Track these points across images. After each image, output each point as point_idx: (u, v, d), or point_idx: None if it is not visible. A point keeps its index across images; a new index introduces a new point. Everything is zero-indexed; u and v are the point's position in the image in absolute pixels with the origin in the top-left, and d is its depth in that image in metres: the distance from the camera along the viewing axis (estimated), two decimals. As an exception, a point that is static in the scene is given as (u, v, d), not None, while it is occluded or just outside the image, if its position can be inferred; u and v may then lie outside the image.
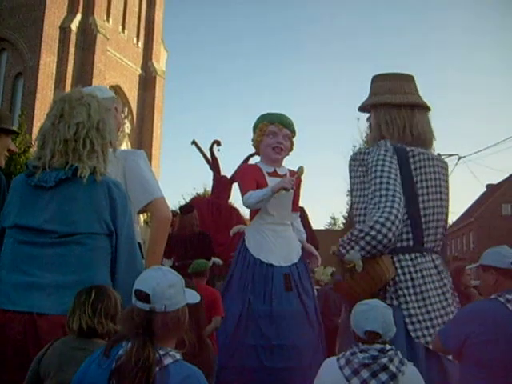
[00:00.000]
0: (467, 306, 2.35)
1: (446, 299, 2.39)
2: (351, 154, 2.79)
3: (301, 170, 3.93)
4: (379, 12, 75.70)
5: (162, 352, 1.65)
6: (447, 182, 2.59)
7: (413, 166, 2.47)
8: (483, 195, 44.39)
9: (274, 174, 4.08)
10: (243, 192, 3.93)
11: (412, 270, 2.40)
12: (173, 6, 47.39)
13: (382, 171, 2.40)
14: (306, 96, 79.75)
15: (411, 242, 2.42)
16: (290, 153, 4.27)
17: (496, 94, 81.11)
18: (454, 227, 40.52)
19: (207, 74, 76.04)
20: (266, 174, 4.06)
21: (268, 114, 4.21)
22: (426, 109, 2.67)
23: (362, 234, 2.31)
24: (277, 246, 3.94)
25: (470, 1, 78.54)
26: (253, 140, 4.24)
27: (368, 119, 2.77)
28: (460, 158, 20.79)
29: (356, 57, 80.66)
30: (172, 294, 1.70)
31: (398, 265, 2.43)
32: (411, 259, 2.41)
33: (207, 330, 4.30)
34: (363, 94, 2.88)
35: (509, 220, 38.96)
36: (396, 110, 2.61)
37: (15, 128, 2.98)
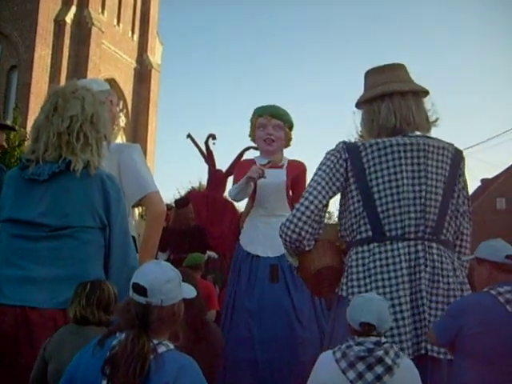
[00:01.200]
0: (459, 299, 2.35)
1: (398, 290, 2.31)
2: None
3: (268, 161, 3.89)
4: (380, 10, 75.72)
5: (155, 341, 1.69)
6: (437, 161, 2.47)
7: (365, 159, 2.46)
8: (478, 189, 44.55)
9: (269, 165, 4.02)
10: (233, 185, 3.96)
11: (366, 261, 2.39)
12: (168, -2, 47.23)
13: (315, 174, 2.52)
14: (305, 92, 79.67)
15: (370, 233, 2.42)
16: (290, 143, 4.25)
17: (491, 90, 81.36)
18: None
19: (203, 68, 75.87)
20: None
21: (259, 107, 4.21)
22: (408, 94, 2.56)
23: (278, 235, 2.50)
24: (267, 237, 3.86)
25: (472, 2, 78.66)
26: (249, 135, 4.27)
27: None
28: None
29: (352, 55, 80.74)
30: (169, 289, 1.73)
31: (354, 257, 2.45)
32: (368, 250, 2.41)
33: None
34: (356, 89, 2.87)
35: (503, 214, 39.16)
36: (368, 106, 2.60)
37: (9, 123, 2.97)
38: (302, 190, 4.17)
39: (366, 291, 2.32)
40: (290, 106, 4.21)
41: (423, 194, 2.41)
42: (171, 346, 1.71)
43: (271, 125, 4.06)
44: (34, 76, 22.35)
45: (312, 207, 2.41)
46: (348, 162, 2.48)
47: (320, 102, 75.47)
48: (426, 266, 2.36)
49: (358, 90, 2.74)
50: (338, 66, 78.93)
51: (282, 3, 77.77)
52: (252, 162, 4.12)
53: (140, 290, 1.70)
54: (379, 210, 2.41)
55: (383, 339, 2.05)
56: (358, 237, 2.46)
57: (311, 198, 2.43)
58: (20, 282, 2.06)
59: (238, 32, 75.99)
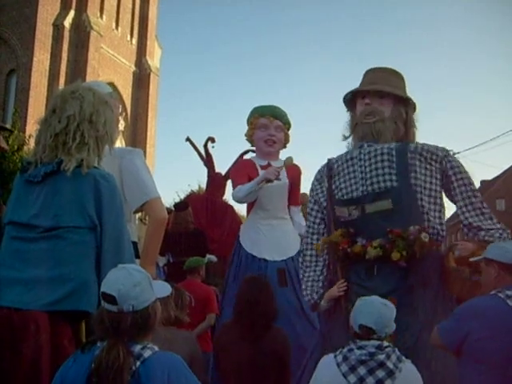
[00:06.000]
0: (467, 302, 2.32)
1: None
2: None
3: (288, 160, 3.78)
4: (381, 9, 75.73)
5: (139, 346, 1.67)
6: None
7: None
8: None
9: (268, 167, 3.97)
10: (234, 187, 3.88)
11: None
12: (167, 2, 47.28)
13: None
14: (302, 95, 79.69)
15: None
16: (287, 145, 4.20)
17: (491, 91, 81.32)
18: (450, 222, 40.52)
19: (202, 72, 75.94)
20: (258, 168, 3.99)
21: (259, 106, 4.15)
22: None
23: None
24: (271, 241, 3.85)
25: (473, 1, 78.78)
26: (246, 135, 4.19)
27: None
28: (454, 154, 20.79)
29: (352, 56, 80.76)
30: (138, 292, 1.70)
31: None
32: None
33: (201, 327, 4.29)
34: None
35: (503, 215, 39.03)
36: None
37: (7, 126, 2.97)
38: (298, 193, 4.19)
39: None
40: (287, 105, 4.20)
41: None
42: (156, 349, 1.70)
43: (273, 126, 4.02)
44: (32, 80, 22.30)
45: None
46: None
47: (319, 102, 75.47)
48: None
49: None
50: (337, 65, 78.90)
51: (281, 2, 77.84)
52: (251, 162, 4.08)
53: (109, 298, 1.68)
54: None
55: (385, 343, 2.03)
56: None
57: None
58: (12, 283, 2.06)
59: (236, 34, 76.09)
